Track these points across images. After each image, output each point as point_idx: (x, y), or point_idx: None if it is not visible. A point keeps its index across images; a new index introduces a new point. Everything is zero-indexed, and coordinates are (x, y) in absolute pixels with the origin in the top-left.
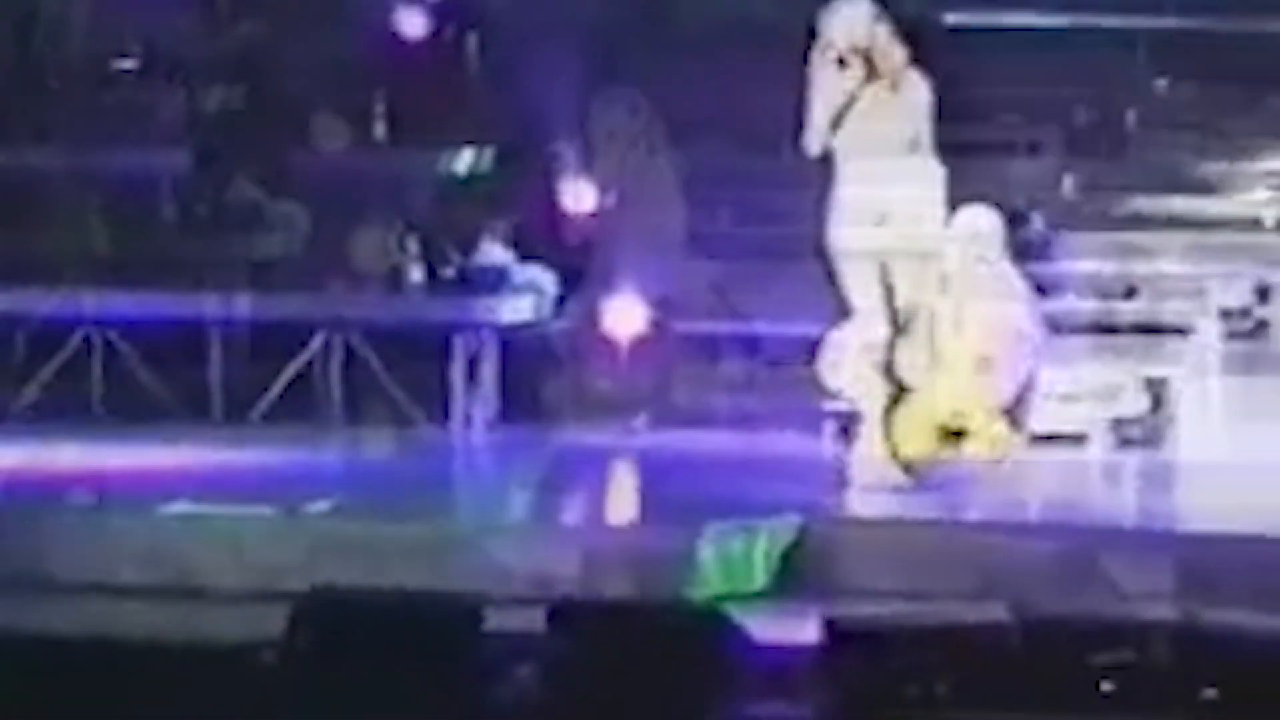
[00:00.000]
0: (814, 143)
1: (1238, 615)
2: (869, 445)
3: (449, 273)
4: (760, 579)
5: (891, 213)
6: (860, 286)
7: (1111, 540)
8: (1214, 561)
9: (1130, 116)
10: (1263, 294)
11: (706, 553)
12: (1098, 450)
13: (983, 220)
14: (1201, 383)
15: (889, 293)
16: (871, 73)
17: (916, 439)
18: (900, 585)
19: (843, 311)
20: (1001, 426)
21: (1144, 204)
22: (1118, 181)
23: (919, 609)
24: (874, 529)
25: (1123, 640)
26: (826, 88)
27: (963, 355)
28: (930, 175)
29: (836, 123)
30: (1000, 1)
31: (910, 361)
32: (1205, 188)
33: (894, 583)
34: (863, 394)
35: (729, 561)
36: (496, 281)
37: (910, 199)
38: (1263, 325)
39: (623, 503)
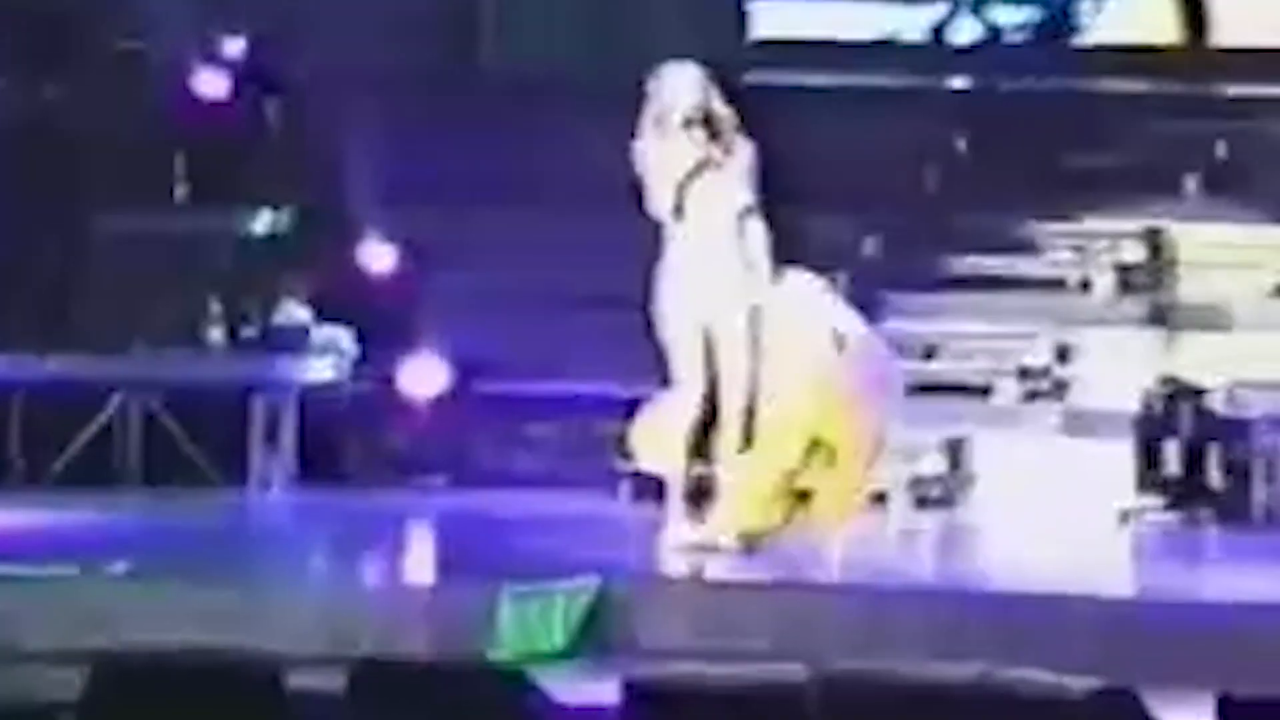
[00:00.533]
0: (660, 208)
1: (1038, 673)
2: (679, 511)
3: (249, 333)
4: (559, 639)
5: (722, 279)
6: (687, 353)
7: (911, 599)
8: (1013, 620)
9: (931, 176)
10: (1062, 354)
11: (505, 613)
12: (897, 509)
13: (807, 284)
14: (1002, 442)
15: (711, 360)
16: (710, 137)
17: (755, 508)
18: (700, 645)
19: (661, 374)
20: (845, 486)
21: (944, 264)
22: (918, 241)
23: (718, 669)
24: (674, 589)
25: (922, 699)
26: (666, 153)
27: (792, 421)
28: (759, 240)
29: (676, 188)
30: (803, 64)
31: (730, 433)
32: (1006, 247)
33: (694, 643)
34: (676, 462)
35: (528, 622)
36: (296, 342)
37: (740, 265)
38: (1061, 385)
39: (422, 563)
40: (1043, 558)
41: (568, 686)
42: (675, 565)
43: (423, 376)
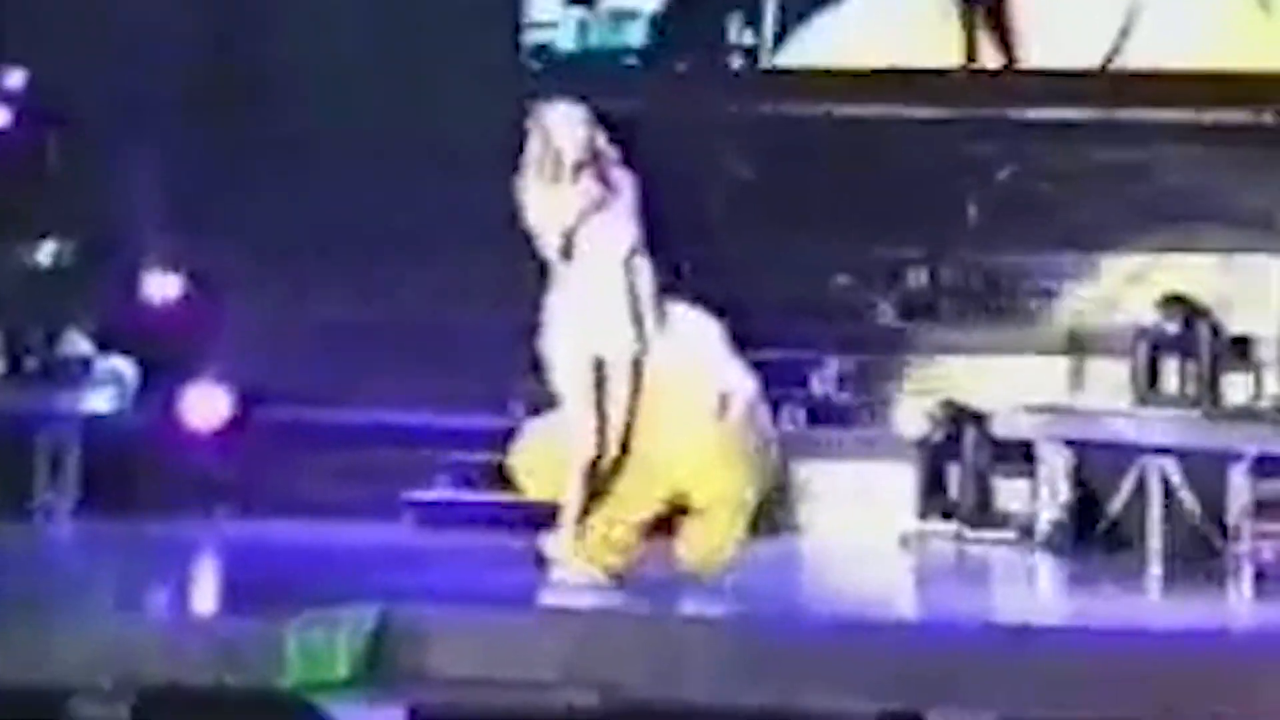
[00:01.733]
0: (549, 247)
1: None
2: (569, 542)
3: (31, 364)
4: (344, 667)
5: (614, 318)
6: (582, 391)
7: (705, 626)
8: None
9: (715, 202)
10: (841, 381)
11: (291, 641)
12: None
13: (699, 329)
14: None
15: (602, 397)
16: (599, 177)
17: (611, 549)
18: (488, 674)
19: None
20: (709, 537)
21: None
22: (704, 268)
23: (503, 695)
24: (460, 616)
25: None
26: (555, 197)
27: (658, 472)
28: (646, 277)
29: (566, 231)
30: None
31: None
32: (791, 272)
33: (481, 671)
34: (571, 494)
35: (313, 650)
36: (79, 373)
37: (629, 304)
38: (848, 410)
39: (207, 592)
40: (832, 582)
41: (354, 714)
42: (553, 597)
43: (206, 406)
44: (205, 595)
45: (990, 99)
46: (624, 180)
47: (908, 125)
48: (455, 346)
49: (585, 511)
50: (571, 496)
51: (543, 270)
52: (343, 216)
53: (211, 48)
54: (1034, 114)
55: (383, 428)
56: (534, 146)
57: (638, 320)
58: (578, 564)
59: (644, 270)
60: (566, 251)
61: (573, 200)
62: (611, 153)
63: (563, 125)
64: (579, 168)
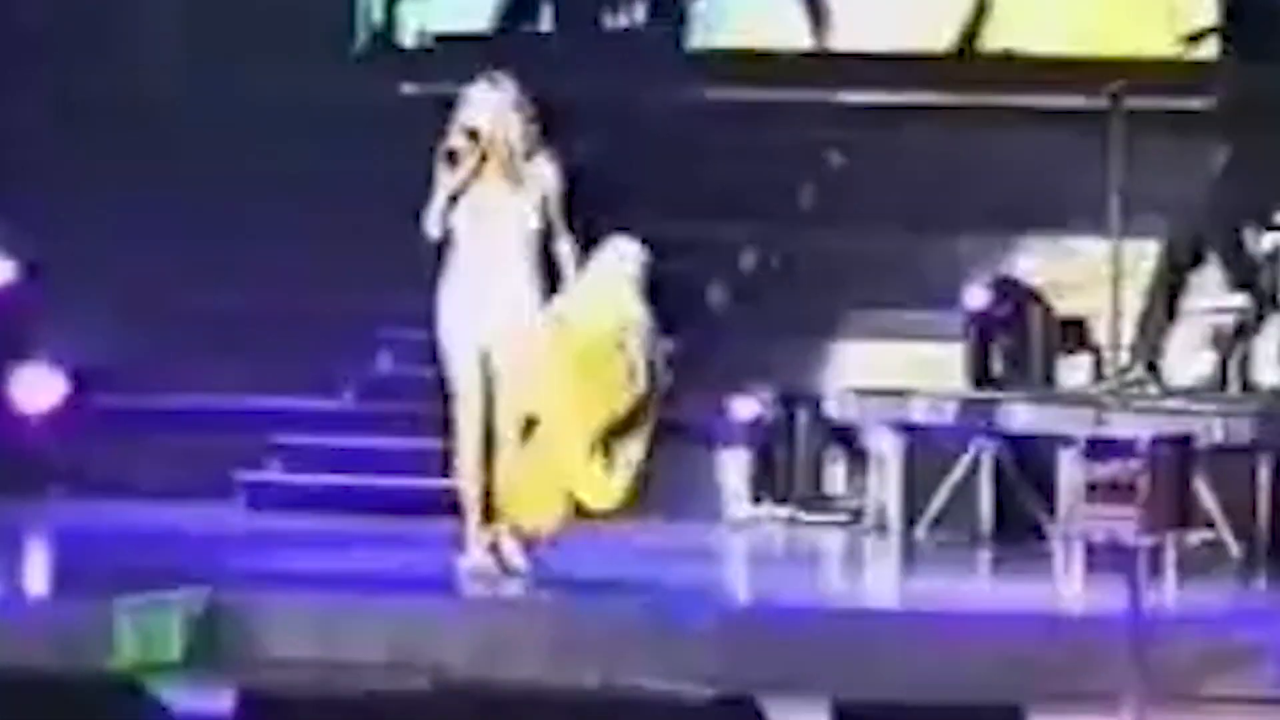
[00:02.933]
0: (432, 226)
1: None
2: (474, 533)
3: None
4: (174, 649)
5: (504, 299)
6: (467, 370)
7: (533, 609)
8: (630, 627)
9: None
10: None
11: (121, 623)
12: None
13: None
14: None
15: (488, 376)
16: (493, 159)
17: (532, 507)
18: (319, 656)
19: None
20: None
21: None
22: None
23: (334, 678)
24: (291, 599)
25: (540, 707)
26: (454, 172)
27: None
28: (533, 261)
29: (462, 208)
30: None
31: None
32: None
33: (313, 653)
34: (468, 481)
35: (143, 632)
36: None
37: (523, 287)
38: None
39: (38, 574)
40: (661, 565)
41: (185, 697)
42: (471, 588)
43: (38, 387)
44: (35, 577)
45: (824, 82)
46: (542, 167)
47: (741, 106)
48: (288, 330)
49: (487, 510)
50: (467, 494)
51: (378, 255)
52: (177, 197)
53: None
54: (865, 97)
55: (214, 411)
56: (457, 122)
57: (529, 300)
58: (479, 555)
59: (536, 254)
60: (462, 228)
61: (466, 176)
62: (528, 137)
63: (476, 103)
64: (476, 144)
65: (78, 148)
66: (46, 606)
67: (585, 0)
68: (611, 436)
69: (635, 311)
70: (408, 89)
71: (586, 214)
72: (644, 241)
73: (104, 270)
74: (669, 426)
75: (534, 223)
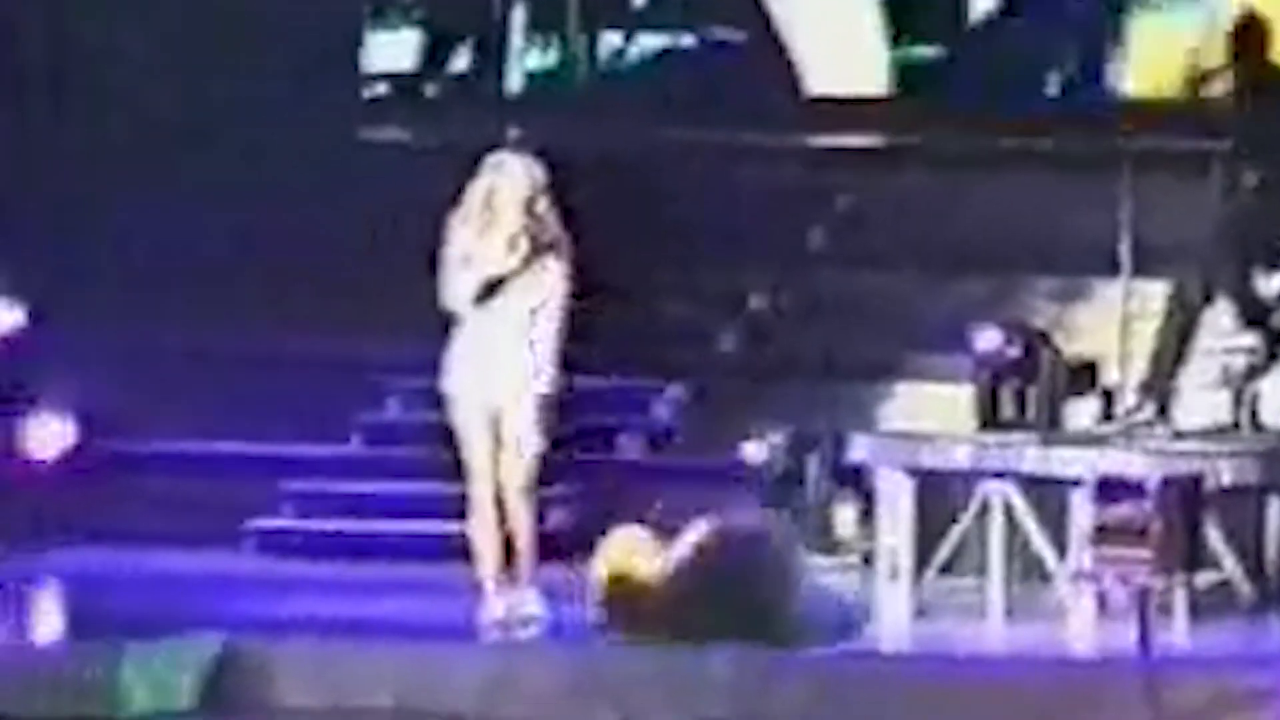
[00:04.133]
0: (459, 302)
1: None
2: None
3: None
4: (184, 697)
5: (513, 366)
6: (477, 435)
7: (543, 652)
8: (645, 671)
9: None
10: (682, 408)
11: (130, 671)
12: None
13: None
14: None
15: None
16: (534, 234)
17: None
18: (329, 703)
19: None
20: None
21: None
22: None
23: None
24: (301, 645)
25: None
26: (488, 244)
27: None
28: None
29: (489, 279)
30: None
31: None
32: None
33: (322, 700)
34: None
35: (153, 680)
36: None
37: (529, 355)
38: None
39: (47, 622)
40: None
41: None
42: (492, 636)
43: (45, 435)
44: (45, 625)
45: (830, 126)
46: (559, 244)
47: (748, 152)
48: (297, 376)
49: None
50: (482, 547)
51: (384, 302)
52: (184, 242)
53: (47, 58)
54: (872, 141)
55: (223, 457)
56: (476, 190)
57: (539, 369)
58: (498, 603)
59: (555, 320)
60: (480, 299)
61: (504, 250)
62: (551, 213)
63: (507, 177)
64: (520, 218)
65: (81, 189)
66: (55, 654)
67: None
68: None
69: None
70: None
71: (592, 261)
72: (651, 286)
73: (110, 315)
74: (679, 471)
75: (554, 298)
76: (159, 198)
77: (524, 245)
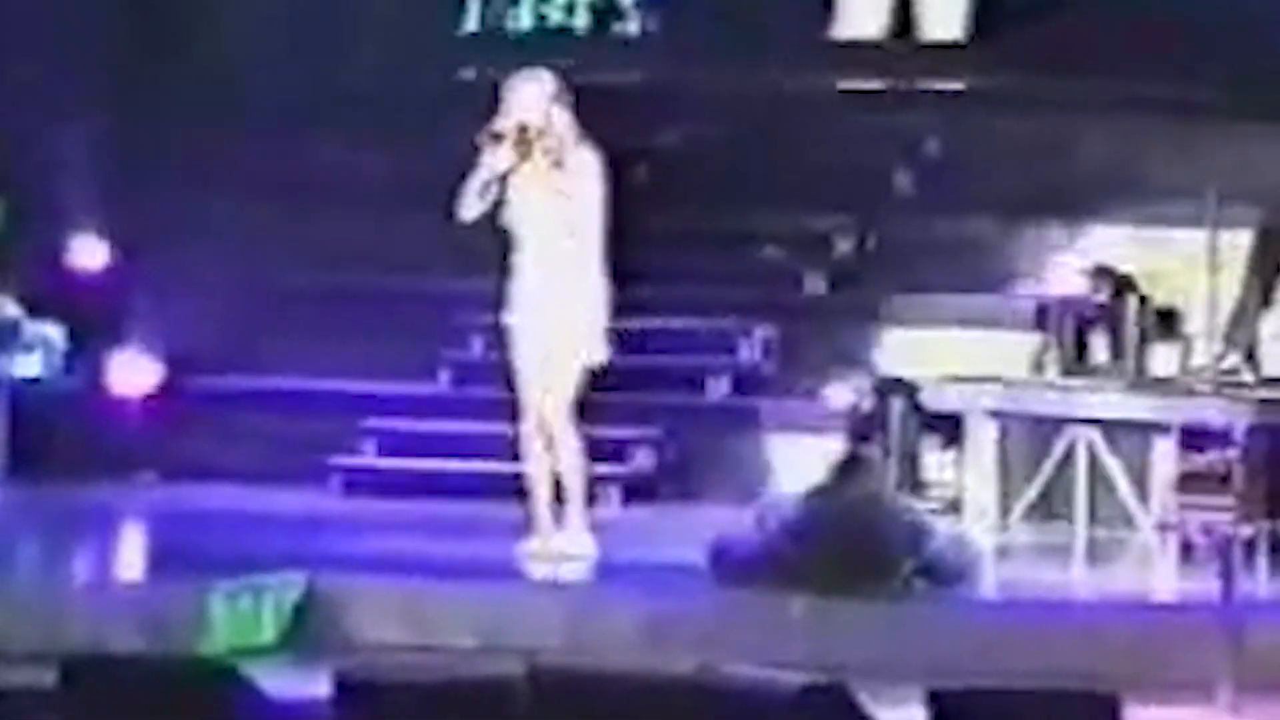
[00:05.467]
0: (464, 212)
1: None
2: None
3: None
4: (269, 634)
5: (563, 311)
6: (531, 372)
7: (624, 592)
8: (724, 615)
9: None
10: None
11: (216, 608)
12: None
13: None
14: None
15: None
16: (533, 151)
17: None
18: (411, 640)
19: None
20: None
21: (657, 259)
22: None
23: (428, 662)
24: (383, 584)
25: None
26: (486, 161)
27: None
28: (587, 262)
29: (496, 199)
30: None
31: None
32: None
33: (405, 638)
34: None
35: (238, 617)
36: (6, 337)
37: (579, 301)
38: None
39: (133, 559)
40: None
41: (279, 681)
42: (536, 572)
43: (133, 372)
44: (130, 562)
45: (916, 69)
46: (583, 157)
47: (833, 96)
48: (382, 313)
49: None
50: (531, 470)
51: (472, 240)
52: (269, 180)
53: (131, 9)
54: (957, 84)
55: (309, 394)
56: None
57: (589, 319)
58: (538, 539)
59: (585, 258)
60: (514, 229)
61: (499, 165)
62: (568, 125)
63: (517, 92)
64: (523, 132)
65: (174, 133)
66: (140, 591)
67: None
68: None
69: None
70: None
71: (677, 205)
72: (738, 229)
73: (197, 253)
74: (766, 412)
75: (584, 212)
76: (248, 133)
77: (559, 162)
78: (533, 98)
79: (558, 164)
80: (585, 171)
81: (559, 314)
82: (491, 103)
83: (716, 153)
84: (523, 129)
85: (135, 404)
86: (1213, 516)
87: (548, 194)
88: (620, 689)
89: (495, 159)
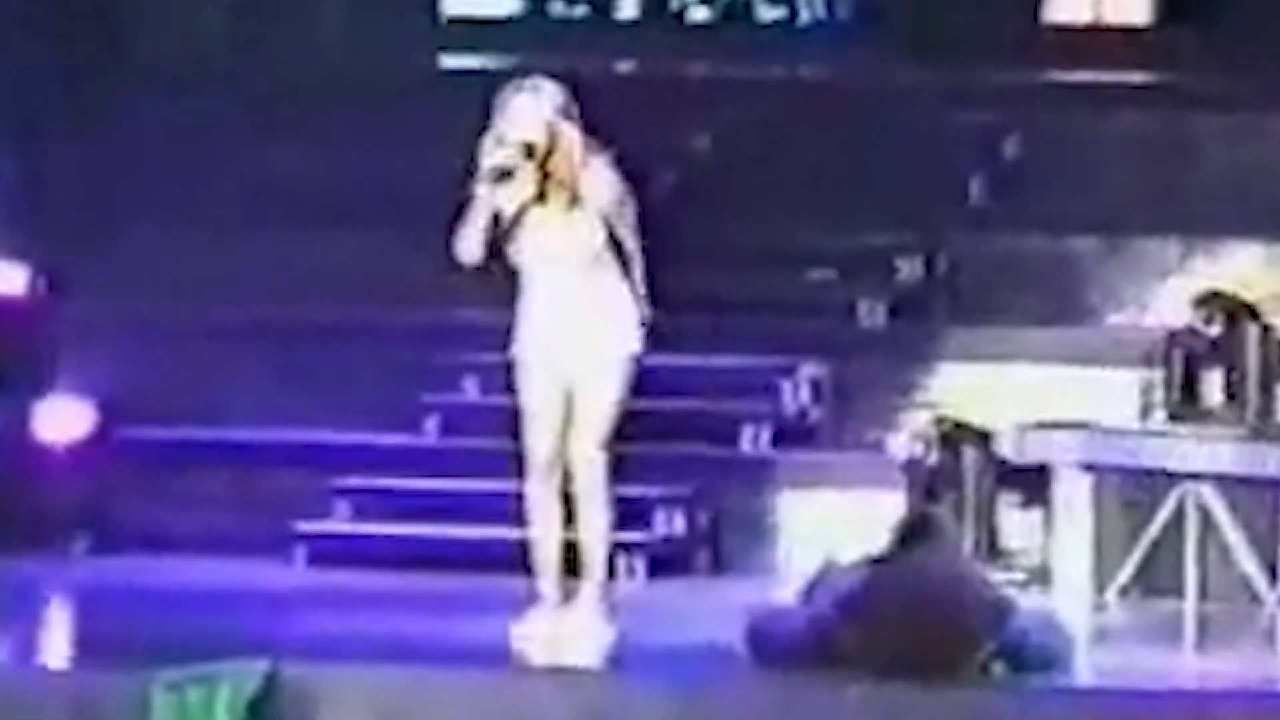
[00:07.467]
0: (466, 255)
1: None
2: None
3: None
4: None
5: (580, 331)
6: (547, 417)
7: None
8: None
9: (661, 178)
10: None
11: (160, 702)
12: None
13: None
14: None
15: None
16: (544, 173)
17: None
18: None
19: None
20: None
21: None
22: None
23: None
24: (358, 671)
25: None
26: (492, 189)
27: None
28: (609, 287)
29: (513, 225)
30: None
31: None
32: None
33: None
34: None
35: (186, 712)
36: None
37: (600, 316)
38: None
39: (60, 642)
40: None
41: None
42: (539, 657)
43: (61, 421)
44: (58, 647)
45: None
46: (597, 174)
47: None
48: (357, 351)
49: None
50: (539, 534)
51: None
52: (219, 194)
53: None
54: (1051, 76)
55: (270, 447)
56: (494, 124)
57: (612, 333)
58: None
59: (614, 277)
60: (519, 250)
61: (514, 192)
62: (578, 142)
63: (517, 107)
64: (529, 156)
65: (109, 151)
66: (72, 680)
67: None
68: None
69: None
70: None
71: (707, 218)
72: (782, 249)
73: (136, 283)
74: (813, 466)
75: (601, 237)
76: (194, 151)
77: (571, 185)
78: (533, 112)
79: (574, 199)
80: (602, 194)
81: (583, 340)
82: (479, 102)
83: (754, 157)
84: (528, 150)
85: (64, 458)
86: None
87: (564, 229)
88: None
89: (502, 198)
